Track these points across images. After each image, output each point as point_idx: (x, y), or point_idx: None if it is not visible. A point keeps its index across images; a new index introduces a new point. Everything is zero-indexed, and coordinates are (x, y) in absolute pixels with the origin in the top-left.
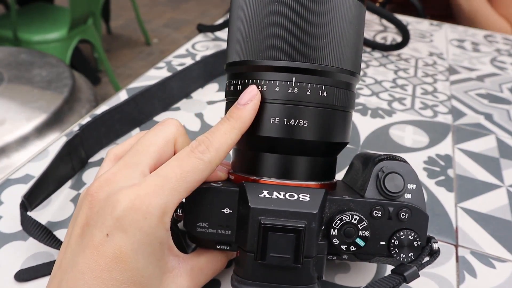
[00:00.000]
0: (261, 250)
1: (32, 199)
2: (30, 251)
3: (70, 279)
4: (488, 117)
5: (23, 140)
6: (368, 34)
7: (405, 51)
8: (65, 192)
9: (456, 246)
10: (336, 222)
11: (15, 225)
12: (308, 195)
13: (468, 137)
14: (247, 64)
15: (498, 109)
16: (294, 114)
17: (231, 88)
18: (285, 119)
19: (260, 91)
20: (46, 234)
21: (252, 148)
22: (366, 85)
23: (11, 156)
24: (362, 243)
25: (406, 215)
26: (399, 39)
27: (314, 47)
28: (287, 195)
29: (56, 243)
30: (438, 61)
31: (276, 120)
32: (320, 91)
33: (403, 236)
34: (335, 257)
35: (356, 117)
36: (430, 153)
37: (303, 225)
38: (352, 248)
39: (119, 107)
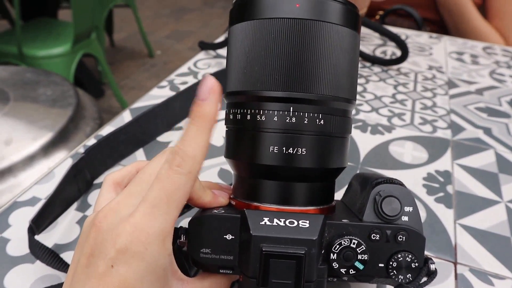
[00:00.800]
0: (263, 277)
1: (39, 223)
2: (38, 274)
3: None
4: (487, 131)
5: (30, 160)
6: (367, 48)
7: (404, 65)
8: (71, 214)
9: (455, 263)
10: (336, 246)
11: (23, 248)
12: (308, 222)
13: (467, 152)
14: (245, 94)
15: (497, 123)
16: (292, 143)
17: (231, 116)
18: (284, 148)
19: (258, 120)
20: (53, 258)
21: (252, 175)
22: (366, 100)
23: (18, 176)
24: (361, 266)
25: (404, 237)
26: (398, 53)
27: (310, 78)
28: (287, 222)
29: (63, 266)
30: (437, 75)
31: (275, 149)
32: (317, 120)
33: (401, 258)
34: (335, 279)
35: (356, 133)
36: (430, 169)
37: (303, 252)
38: (351, 271)
39: (123, 128)
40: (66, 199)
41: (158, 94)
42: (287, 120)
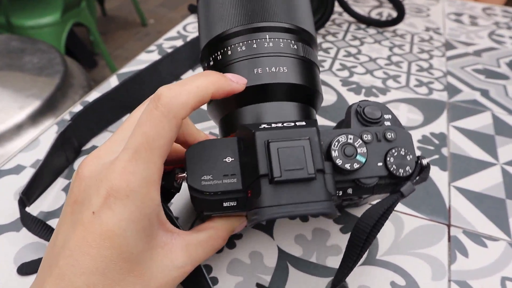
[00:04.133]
0: (275, 168)
1: (29, 195)
2: (24, 241)
3: (61, 257)
4: (484, 93)
5: (17, 129)
6: (363, 10)
7: (400, 27)
8: (58, 182)
9: (449, 225)
10: (334, 144)
11: (8, 216)
12: (304, 122)
13: (464, 115)
14: (223, 35)
15: (494, 84)
16: (274, 63)
17: (211, 63)
18: (267, 68)
19: (239, 51)
20: (46, 229)
21: (244, 102)
22: (360, 63)
23: (5, 145)
24: (363, 159)
25: (392, 135)
26: (394, 14)
27: (278, 11)
28: (285, 124)
29: None
30: (434, 36)
31: (259, 70)
32: (291, 44)
33: (396, 153)
34: (340, 193)
35: (349, 96)
36: (424, 132)
37: (307, 137)
38: (355, 165)
39: (109, 94)
40: (55, 169)
41: (146, 59)
42: (265, 46)
